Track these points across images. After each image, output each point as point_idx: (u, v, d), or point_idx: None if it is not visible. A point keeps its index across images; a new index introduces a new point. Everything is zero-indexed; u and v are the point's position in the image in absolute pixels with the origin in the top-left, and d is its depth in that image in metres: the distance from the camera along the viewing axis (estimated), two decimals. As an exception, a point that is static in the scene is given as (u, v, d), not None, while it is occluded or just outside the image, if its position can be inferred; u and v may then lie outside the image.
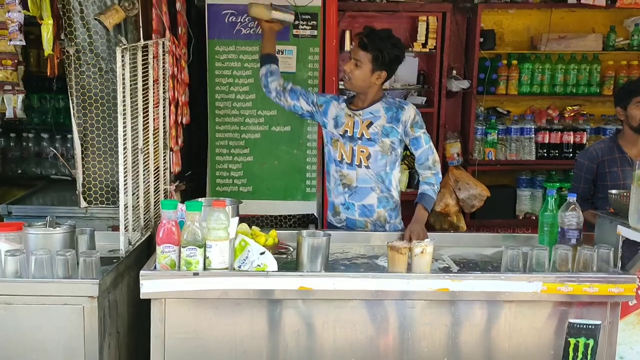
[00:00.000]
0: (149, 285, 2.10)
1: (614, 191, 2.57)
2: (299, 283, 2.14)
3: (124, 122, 2.27)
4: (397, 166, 2.85)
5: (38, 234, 2.19)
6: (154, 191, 2.68)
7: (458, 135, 4.54)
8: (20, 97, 3.42)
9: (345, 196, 2.85)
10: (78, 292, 2.06)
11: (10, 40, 3.01)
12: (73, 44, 2.78)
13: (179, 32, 3.17)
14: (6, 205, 3.20)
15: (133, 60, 2.35)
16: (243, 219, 2.54)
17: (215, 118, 3.66)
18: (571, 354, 2.15)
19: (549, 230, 2.46)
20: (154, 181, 2.67)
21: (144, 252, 2.50)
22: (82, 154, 2.87)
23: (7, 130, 4.22)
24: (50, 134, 4.20)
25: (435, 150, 2.82)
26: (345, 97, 2.97)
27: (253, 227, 2.53)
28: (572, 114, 4.62)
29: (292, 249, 2.58)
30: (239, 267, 2.19)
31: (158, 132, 2.72)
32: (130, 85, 2.32)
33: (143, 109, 2.47)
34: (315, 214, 3.70)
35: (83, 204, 2.91)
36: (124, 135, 2.28)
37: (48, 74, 3.06)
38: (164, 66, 2.76)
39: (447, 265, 2.49)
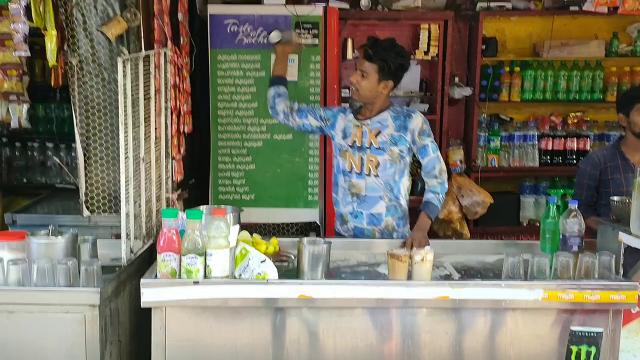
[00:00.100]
0: (150, 294, 2.10)
1: (615, 198, 2.56)
2: (299, 291, 2.14)
3: (126, 132, 2.29)
4: (406, 175, 2.86)
5: (40, 243, 2.20)
6: (156, 200, 2.69)
7: (461, 142, 4.54)
8: (25, 107, 3.47)
9: (354, 205, 2.85)
10: (79, 301, 2.07)
11: (15, 51, 3.04)
12: (76, 54, 2.81)
13: (181, 42, 3.20)
14: (11, 214, 3.23)
15: (135, 71, 2.37)
16: (245, 227, 2.55)
17: (218, 126, 3.69)
18: (573, 361, 2.14)
19: (551, 237, 2.45)
20: (156, 190, 2.69)
21: (146, 261, 2.51)
22: (84, 163, 2.90)
23: (12, 140, 4.26)
24: (54, 143, 4.23)
25: (442, 160, 2.82)
26: (352, 107, 2.98)
27: (254, 235, 2.53)
28: (575, 121, 4.61)
29: (293, 257, 2.58)
30: (240, 275, 2.19)
31: (160, 141, 2.74)
32: (132, 95, 2.34)
33: (145, 119, 2.49)
34: (318, 222, 3.71)
35: (86, 212, 2.93)
36: (126, 144, 2.29)
37: (52, 84, 3.09)
38: (165, 76, 2.78)
39: (448, 273, 2.48)
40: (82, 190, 2.93)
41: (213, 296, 2.11)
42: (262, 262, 2.20)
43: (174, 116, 2.96)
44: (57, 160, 4.08)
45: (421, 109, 4.43)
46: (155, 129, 2.64)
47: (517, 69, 4.51)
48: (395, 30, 4.37)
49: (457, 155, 4.45)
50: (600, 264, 2.24)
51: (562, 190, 4.52)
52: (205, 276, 2.11)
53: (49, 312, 2.08)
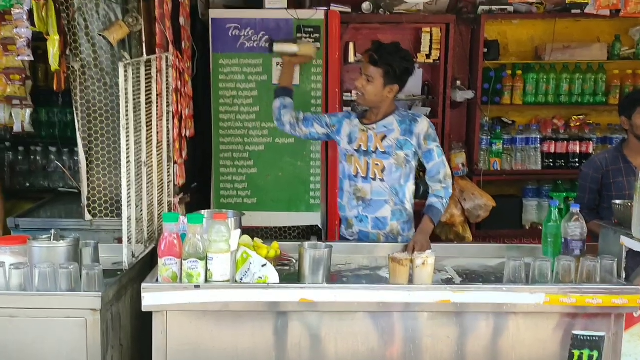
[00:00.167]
0: (151, 298, 2.11)
1: (617, 202, 2.55)
2: (299, 295, 2.14)
3: (127, 136, 2.30)
4: (411, 179, 2.86)
5: (42, 247, 2.21)
6: (158, 204, 2.70)
7: (463, 146, 4.54)
8: (28, 111, 3.49)
9: (359, 209, 2.85)
10: (80, 305, 2.08)
11: (18, 55, 3.06)
12: (78, 59, 2.82)
13: (183, 46, 3.21)
14: (14, 218, 3.23)
15: (136, 75, 2.38)
16: (247, 231, 2.56)
17: (219, 130, 3.69)
18: (575, 366, 2.13)
19: (553, 241, 2.45)
20: (158, 194, 2.69)
21: (148, 265, 2.52)
22: (87, 167, 2.90)
23: (16, 144, 4.28)
24: (57, 147, 4.25)
25: (447, 165, 2.81)
26: (355, 112, 2.98)
27: (255, 239, 2.53)
28: (577, 124, 4.61)
29: (294, 261, 2.58)
30: (241, 279, 2.19)
31: (162, 145, 2.75)
32: (134, 100, 2.35)
33: (146, 123, 2.49)
34: (320, 225, 3.71)
35: (88, 216, 2.94)
36: (127, 148, 2.30)
37: (55, 88, 3.11)
38: (167, 80, 2.79)
39: (450, 277, 2.48)
40: (84, 194, 2.94)
41: (214, 300, 2.11)
42: (263, 266, 2.20)
43: (176, 120, 2.97)
44: (59, 165, 4.09)
45: (423, 112, 4.42)
46: (157, 133, 2.65)
47: (519, 72, 4.50)
48: (397, 34, 4.37)
49: (460, 158, 4.45)
50: (602, 268, 2.23)
51: (565, 194, 4.50)
52: (206, 280, 2.12)
53: (51, 317, 2.08)
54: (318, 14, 3.62)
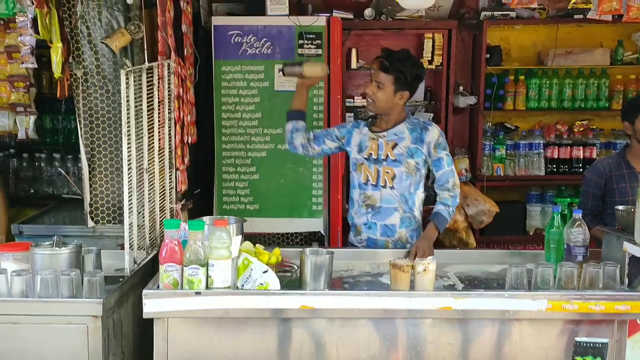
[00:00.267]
0: (152, 305, 2.11)
1: (620, 207, 2.54)
2: (300, 302, 2.13)
3: (129, 143, 2.31)
4: (421, 187, 2.85)
5: (44, 254, 2.21)
6: (160, 210, 2.70)
7: (466, 151, 4.53)
8: (32, 118, 3.51)
9: (368, 216, 2.84)
10: (82, 312, 2.08)
11: (23, 63, 3.09)
12: (81, 66, 2.84)
13: (185, 53, 3.22)
14: (17, 224, 3.25)
15: (138, 82, 2.39)
16: (250, 237, 2.55)
17: (222, 137, 3.71)
18: (578, 372, 2.11)
19: (556, 247, 2.44)
20: (160, 200, 2.70)
21: (150, 271, 2.52)
22: (89, 174, 2.92)
23: (20, 151, 4.30)
24: (61, 154, 4.27)
25: (456, 174, 2.80)
26: (366, 120, 2.97)
27: (257, 245, 2.54)
28: (581, 129, 4.59)
29: (296, 267, 2.58)
30: (242, 285, 2.19)
31: (164, 151, 2.75)
32: (136, 107, 2.36)
33: (148, 130, 2.50)
34: (322, 232, 3.71)
35: (90, 223, 2.95)
36: (129, 155, 2.31)
37: (58, 96, 3.12)
38: (169, 87, 2.80)
39: (452, 283, 2.47)
40: (87, 200, 2.95)
41: (215, 307, 2.11)
42: (264, 272, 2.20)
43: (178, 127, 2.98)
44: (62, 171, 4.11)
45: (425, 117, 4.43)
46: (159, 139, 2.66)
47: (521, 77, 4.50)
48: (399, 40, 4.38)
49: (463, 164, 4.44)
50: (604, 274, 2.22)
51: (568, 199, 4.49)
52: (207, 287, 2.12)
53: (52, 323, 2.09)
54: (320, 20, 3.63)
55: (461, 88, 4.48)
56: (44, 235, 2.84)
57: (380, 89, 2.75)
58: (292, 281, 2.43)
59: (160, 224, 2.68)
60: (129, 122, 2.30)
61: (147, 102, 2.48)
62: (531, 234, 4.57)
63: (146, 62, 2.61)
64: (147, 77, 2.48)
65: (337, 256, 2.41)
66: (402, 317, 2.18)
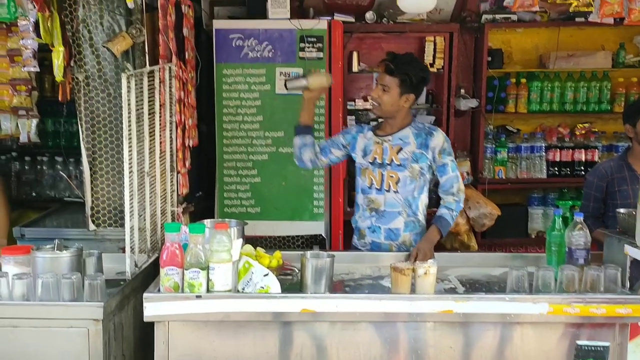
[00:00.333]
0: (152, 308, 2.11)
1: (622, 210, 2.54)
2: (301, 305, 2.13)
3: (130, 146, 2.31)
4: (425, 191, 2.85)
5: (45, 257, 2.21)
6: (161, 213, 2.71)
7: (467, 154, 4.53)
8: (34, 121, 3.52)
9: (372, 220, 2.84)
10: (83, 315, 2.08)
11: (24, 66, 3.10)
12: (82, 70, 2.84)
13: (187, 56, 3.23)
14: (19, 227, 3.25)
15: (139, 86, 2.40)
16: (251, 240, 2.56)
17: (223, 140, 3.71)
18: (580, 376, 2.10)
19: (557, 250, 2.43)
20: (161, 203, 2.70)
21: (151, 274, 2.52)
22: (90, 177, 2.92)
23: (22, 154, 4.31)
24: (63, 157, 4.28)
25: (461, 179, 2.80)
26: (368, 123, 2.97)
27: (258, 248, 2.54)
28: (583, 132, 4.59)
29: (297, 270, 2.58)
30: (243, 289, 2.19)
31: (165, 155, 2.76)
32: (137, 110, 2.36)
33: (149, 133, 2.51)
34: (323, 234, 3.71)
35: (92, 226, 2.95)
36: (130, 158, 2.31)
37: (60, 99, 3.14)
38: (170, 90, 2.81)
39: (453, 286, 2.46)
40: (88, 204, 2.95)
41: (215, 310, 2.11)
42: (265, 275, 2.20)
43: (179, 130, 2.98)
44: (64, 175, 4.12)
45: (427, 121, 4.44)
46: (160, 143, 2.67)
47: (523, 80, 4.50)
48: (400, 43, 4.38)
49: (464, 167, 4.44)
50: (606, 277, 2.21)
51: (570, 202, 4.48)
52: (207, 290, 2.12)
53: (53, 327, 2.09)
54: (321, 24, 3.64)
55: (463, 91, 4.48)
56: (46, 238, 2.86)
57: (386, 91, 2.74)
58: (293, 284, 2.43)
59: (161, 227, 2.68)
60: (130, 126, 2.30)
61: (148, 106, 2.49)
62: (533, 236, 4.56)
63: (147, 66, 2.61)
64: (149, 81, 2.49)
65: (338, 259, 2.41)
66: (403, 321, 2.18)
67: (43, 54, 3.12)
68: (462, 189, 2.80)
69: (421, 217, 2.85)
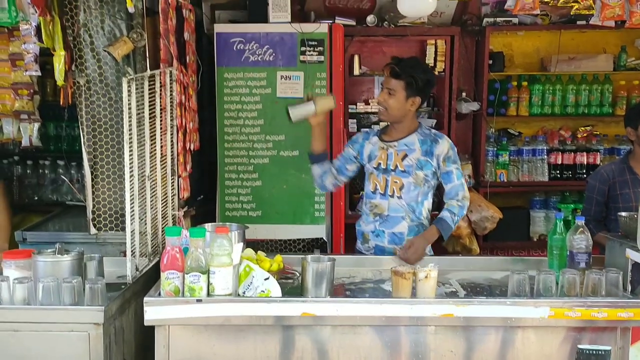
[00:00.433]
0: (153, 312, 2.11)
1: (623, 214, 2.53)
2: (302, 309, 2.13)
3: (131, 150, 2.31)
4: (429, 197, 2.84)
5: (46, 261, 2.22)
6: (162, 217, 2.71)
7: (469, 157, 4.53)
8: (36, 125, 3.53)
9: (376, 224, 2.83)
10: (83, 319, 2.08)
11: (26, 70, 3.11)
12: (84, 74, 2.85)
13: (188, 60, 3.24)
14: (21, 231, 3.26)
15: (140, 90, 2.40)
16: (252, 244, 2.55)
17: (224, 143, 3.72)
18: (581, 380, 2.10)
19: (558, 253, 2.43)
20: (162, 207, 2.70)
21: (152, 278, 2.52)
22: (92, 181, 2.93)
23: (24, 158, 4.32)
24: (65, 161, 4.28)
25: (466, 187, 2.78)
26: (377, 129, 2.95)
27: (259, 252, 2.54)
28: (584, 135, 4.58)
29: (298, 274, 2.58)
30: (244, 292, 2.19)
31: (166, 159, 2.76)
32: (138, 114, 2.37)
33: (150, 137, 2.51)
34: (324, 238, 3.70)
35: (93, 230, 2.95)
36: (131, 162, 2.32)
37: (61, 103, 3.15)
38: (171, 94, 2.81)
39: (454, 290, 2.46)
40: (89, 207, 2.96)
41: (216, 314, 2.11)
42: (265, 279, 2.20)
43: (180, 134, 2.99)
44: (65, 178, 4.12)
45: (428, 124, 4.43)
46: (161, 146, 2.67)
47: (524, 83, 4.50)
48: (401, 47, 4.39)
49: (466, 170, 4.43)
50: (607, 281, 2.21)
51: (572, 205, 4.47)
52: (208, 294, 2.12)
53: (54, 331, 2.09)
54: (322, 27, 3.65)
55: (464, 94, 4.48)
56: (48, 242, 2.86)
57: (392, 95, 2.73)
58: (293, 288, 2.43)
59: (162, 231, 2.68)
60: (130, 130, 2.31)
61: (149, 110, 2.49)
62: (535, 240, 4.55)
63: (148, 70, 2.62)
64: (149, 85, 2.49)
65: (339, 263, 2.40)
66: (404, 325, 2.18)
67: (45, 58, 3.13)
68: (467, 196, 2.78)
69: (425, 221, 2.85)
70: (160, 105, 2.63)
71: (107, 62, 2.83)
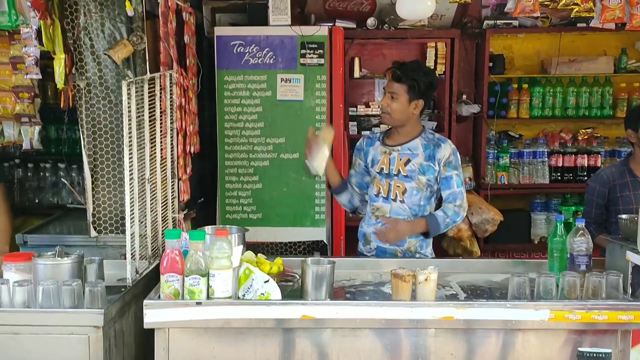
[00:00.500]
0: (153, 315, 2.11)
1: (624, 216, 2.53)
2: (301, 312, 2.13)
3: (130, 153, 2.32)
4: (432, 201, 2.83)
5: (46, 264, 2.22)
6: (162, 220, 2.71)
7: (469, 160, 4.53)
8: (37, 128, 3.54)
9: (378, 225, 2.82)
10: (83, 322, 2.08)
11: (27, 74, 3.12)
12: (84, 77, 2.85)
13: (188, 63, 3.24)
14: (22, 234, 3.26)
15: (140, 93, 2.40)
16: (252, 246, 2.55)
17: (225, 146, 3.72)
18: (582, 383, 2.09)
19: (559, 256, 2.42)
20: (162, 210, 2.70)
21: (152, 281, 2.51)
22: (92, 184, 2.93)
23: (25, 161, 4.32)
24: (66, 164, 4.29)
25: (465, 195, 2.75)
26: (379, 133, 2.93)
27: (259, 255, 2.53)
28: (585, 137, 4.58)
29: (298, 277, 2.57)
30: (243, 295, 2.19)
31: (166, 161, 2.76)
32: (138, 117, 2.37)
33: (150, 140, 2.51)
34: (325, 241, 3.70)
35: (93, 233, 2.95)
36: (130, 165, 2.32)
37: (61, 106, 3.15)
38: (171, 97, 2.82)
39: (454, 293, 2.45)
40: (90, 210, 2.96)
41: (216, 317, 2.11)
42: (265, 282, 2.19)
43: (180, 137, 2.99)
44: (65, 181, 4.13)
45: (429, 126, 4.43)
46: (161, 149, 2.67)
47: (525, 85, 4.50)
48: (402, 49, 4.40)
49: (466, 172, 4.43)
50: (607, 284, 2.20)
51: (573, 207, 4.44)
52: (208, 297, 2.11)
53: (53, 334, 2.09)
54: (322, 30, 3.65)
55: (464, 96, 4.48)
56: (48, 245, 2.87)
57: (395, 99, 2.73)
58: (293, 291, 2.42)
59: (162, 234, 2.68)
60: (130, 133, 2.31)
61: (149, 113, 2.49)
62: (536, 242, 4.55)
63: (148, 73, 2.62)
64: (149, 88, 2.50)
65: (339, 265, 2.40)
66: (404, 327, 2.17)
67: (45, 62, 3.14)
68: (465, 206, 2.76)
69: None
70: (160, 108, 2.64)
71: (107, 65, 2.83)
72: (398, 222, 2.69)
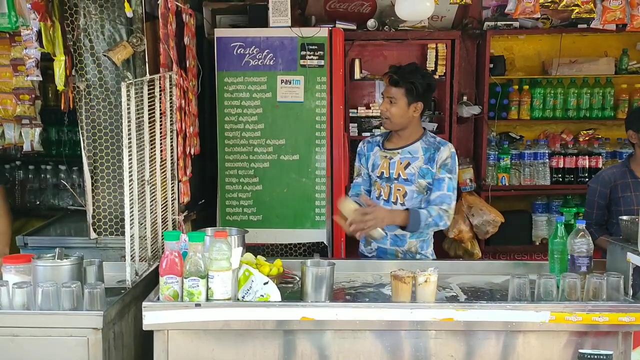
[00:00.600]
0: (152, 317, 2.10)
1: (625, 217, 2.52)
2: (301, 313, 2.12)
3: (130, 154, 2.31)
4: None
5: (46, 266, 2.22)
6: (162, 222, 2.71)
7: (470, 161, 4.52)
8: (38, 130, 3.55)
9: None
10: (82, 324, 2.08)
11: (28, 75, 3.13)
12: (84, 79, 2.85)
13: (188, 65, 3.24)
14: (22, 236, 3.26)
15: (140, 94, 2.40)
16: (253, 248, 2.55)
17: (225, 148, 3.72)
18: (583, 385, 2.08)
19: (560, 257, 2.41)
20: (162, 212, 2.70)
21: (152, 282, 2.51)
22: (92, 185, 2.93)
23: (26, 163, 4.33)
24: (67, 166, 4.29)
25: (454, 202, 2.70)
26: (379, 137, 2.91)
27: (258, 256, 2.53)
28: (586, 138, 4.57)
29: (297, 278, 2.57)
30: (243, 297, 2.19)
31: (166, 163, 2.76)
32: (137, 119, 2.37)
33: (150, 141, 2.51)
34: (325, 242, 3.70)
35: (93, 235, 2.95)
36: (130, 167, 2.32)
37: (62, 108, 3.15)
38: (171, 99, 2.82)
39: (454, 294, 2.45)
40: (90, 212, 2.96)
41: (215, 319, 2.11)
42: (265, 284, 2.19)
43: (180, 138, 2.99)
44: (65, 183, 4.13)
45: (429, 127, 4.43)
46: (161, 151, 2.67)
47: (526, 87, 4.49)
48: (402, 51, 4.40)
49: (467, 174, 4.43)
50: (608, 285, 2.19)
51: (575, 209, 4.46)
52: (207, 299, 2.11)
53: (53, 336, 2.09)
54: (322, 31, 3.65)
55: (465, 98, 4.48)
56: (49, 247, 2.85)
57: (394, 104, 2.72)
58: (293, 292, 2.42)
59: (162, 236, 2.68)
60: (130, 134, 2.31)
61: (149, 114, 2.49)
62: (537, 244, 4.54)
63: (147, 75, 2.62)
64: (149, 89, 2.49)
65: (339, 267, 2.40)
66: (404, 329, 2.17)
67: (46, 63, 3.14)
68: (451, 213, 2.68)
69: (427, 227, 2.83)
70: (160, 110, 2.64)
71: (107, 66, 2.83)
72: (378, 208, 2.64)
